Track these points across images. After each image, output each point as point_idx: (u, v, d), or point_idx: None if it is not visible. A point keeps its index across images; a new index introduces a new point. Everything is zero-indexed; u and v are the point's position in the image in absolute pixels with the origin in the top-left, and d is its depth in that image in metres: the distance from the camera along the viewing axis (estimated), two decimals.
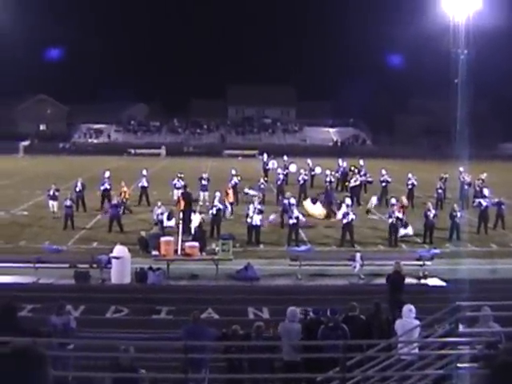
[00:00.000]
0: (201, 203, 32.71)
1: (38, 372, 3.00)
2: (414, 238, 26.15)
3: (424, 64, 77.07)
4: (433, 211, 25.98)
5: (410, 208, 32.22)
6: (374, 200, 32.15)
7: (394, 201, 27.39)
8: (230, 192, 31.46)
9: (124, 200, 30.86)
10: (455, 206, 26.84)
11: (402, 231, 25.68)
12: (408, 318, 11.56)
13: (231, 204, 30.68)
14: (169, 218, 26.67)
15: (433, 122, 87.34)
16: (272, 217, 27.60)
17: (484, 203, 28.02)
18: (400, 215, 25.31)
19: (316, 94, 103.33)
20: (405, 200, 29.99)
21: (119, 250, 19.93)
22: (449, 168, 38.12)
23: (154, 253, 21.01)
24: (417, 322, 11.39)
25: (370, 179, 37.68)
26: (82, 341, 12.01)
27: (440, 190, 33.78)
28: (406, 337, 11.21)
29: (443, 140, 73.14)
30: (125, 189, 31.95)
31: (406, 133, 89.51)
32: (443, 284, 19.89)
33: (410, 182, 34.76)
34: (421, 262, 20.85)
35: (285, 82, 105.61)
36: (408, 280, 19.47)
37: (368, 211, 31.36)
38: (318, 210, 30.43)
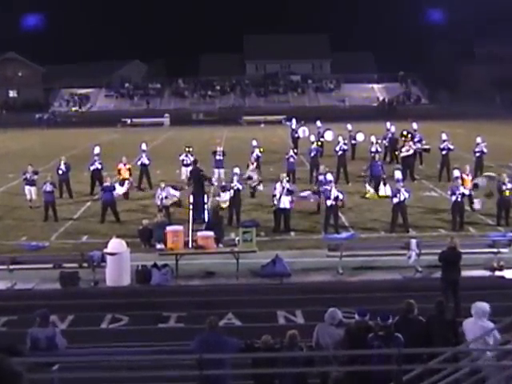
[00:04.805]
0: (216, 183, 32.72)
1: None
2: (484, 219, 25.95)
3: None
4: (509, 185, 25.64)
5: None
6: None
7: (457, 173, 27.09)
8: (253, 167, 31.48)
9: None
10: None
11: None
12: (481, 319, 11.22)
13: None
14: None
15: (506, 72, 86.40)
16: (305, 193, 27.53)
17: None
18: (466, 191, 25.07)
19: (355, 42, 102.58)
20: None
21: (115, 245, 19.98)
22: None
23: (159, 246, 21.04)
24: (492, 325, 11.16)
25: (426, 147, 37.35)
26: (70, 358, 12.04)
27: None
28: (479, 343, 10.97)
29: None
30: (120, 166, 31.92)
31: (472, 87, 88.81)
32: None
33: (478, 149, 34.37)
34: (495, 250, 20.60)
35: (315, 29, 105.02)
36: (479, 272, 19.40)
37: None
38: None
